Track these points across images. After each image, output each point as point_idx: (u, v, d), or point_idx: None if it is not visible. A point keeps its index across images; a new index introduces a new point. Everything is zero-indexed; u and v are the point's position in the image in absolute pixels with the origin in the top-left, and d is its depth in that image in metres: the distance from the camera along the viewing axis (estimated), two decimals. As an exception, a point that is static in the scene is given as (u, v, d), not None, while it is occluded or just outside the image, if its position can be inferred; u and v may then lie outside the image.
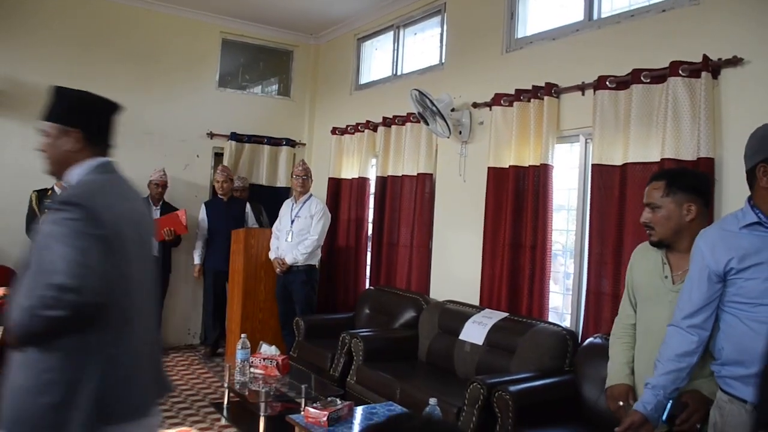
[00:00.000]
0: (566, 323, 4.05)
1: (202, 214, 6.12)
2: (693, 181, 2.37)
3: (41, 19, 5.82)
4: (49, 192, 5.39)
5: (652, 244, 2.39)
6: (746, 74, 3.13)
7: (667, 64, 3.36)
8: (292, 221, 5.43)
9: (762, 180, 1.99)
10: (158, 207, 5.93)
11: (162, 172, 5.95)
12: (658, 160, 3.38)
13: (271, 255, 5.52)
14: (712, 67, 3.21)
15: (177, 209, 5.92)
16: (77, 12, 5.97)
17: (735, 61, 3.14)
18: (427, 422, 0.90)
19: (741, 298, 2.00)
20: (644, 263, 2.47)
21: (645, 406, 2.13)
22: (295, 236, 5.36)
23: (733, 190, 3.13)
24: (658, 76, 3.45)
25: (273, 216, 6.36)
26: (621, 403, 2.38)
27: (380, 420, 1.00)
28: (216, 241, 5.98)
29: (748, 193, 2.08)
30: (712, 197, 3.02)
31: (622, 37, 3.79)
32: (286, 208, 5.59)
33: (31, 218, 5.32)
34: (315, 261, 5.46)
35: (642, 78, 3.50)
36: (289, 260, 5.32)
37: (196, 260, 6.13)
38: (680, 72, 3.29)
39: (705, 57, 3.21)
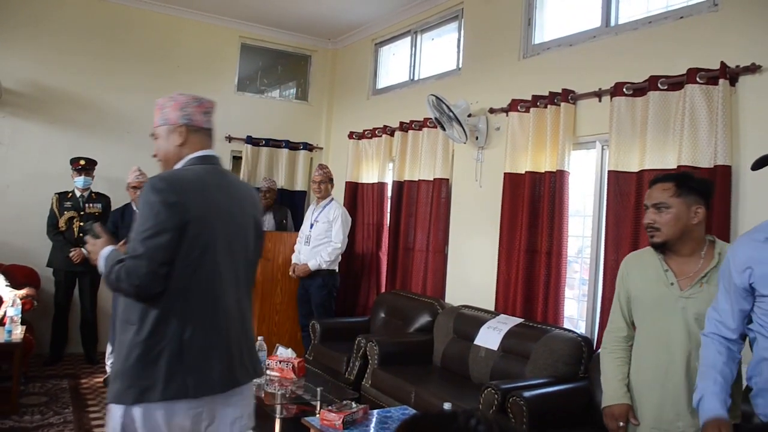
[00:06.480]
0: (581, 330, 4.04)
1: None
2: (701, 184, 2.35)
3: (63, 23, 5.93)
4: (69, 194, 5.47)
5: (656, 245, 2.34)
6: (764, 81, 3.11)
7: (684, 71, 3.35)
8: (311, 225, 5.46)
9: None
10: None
11: (137, 172, 5.20)
12: (674, 167, 3.36)
13: (293, 258, 5.56)
14: (729, 75, 3.19)
15: None
16: (98, 16, 6.07)
17: (753, 69, 3.13)
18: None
19: (764, 317, 1.93)
20: (641, 272, 2.42)
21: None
22: (313, 241, 5.39)
23: (750, 199, 3.10)
24: (675, 83, 3.44)
25: (294, 220, 6.42)
26: (621, 424, 2.37)
27: (415, 416, 1.00)
28: None
29: (766, 201, 2.03)
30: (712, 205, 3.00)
31: (639, 43, 3.78)
32: (308, 213, 5.64)
33: (52, 220, 5.41)
34: (334, 266, 5.47)
35: (659, 85, 3.49)
36: (312, 266, 5.32)
37: None
38: (697, 79, 3.27)
39: (723, 64, 3.19)
